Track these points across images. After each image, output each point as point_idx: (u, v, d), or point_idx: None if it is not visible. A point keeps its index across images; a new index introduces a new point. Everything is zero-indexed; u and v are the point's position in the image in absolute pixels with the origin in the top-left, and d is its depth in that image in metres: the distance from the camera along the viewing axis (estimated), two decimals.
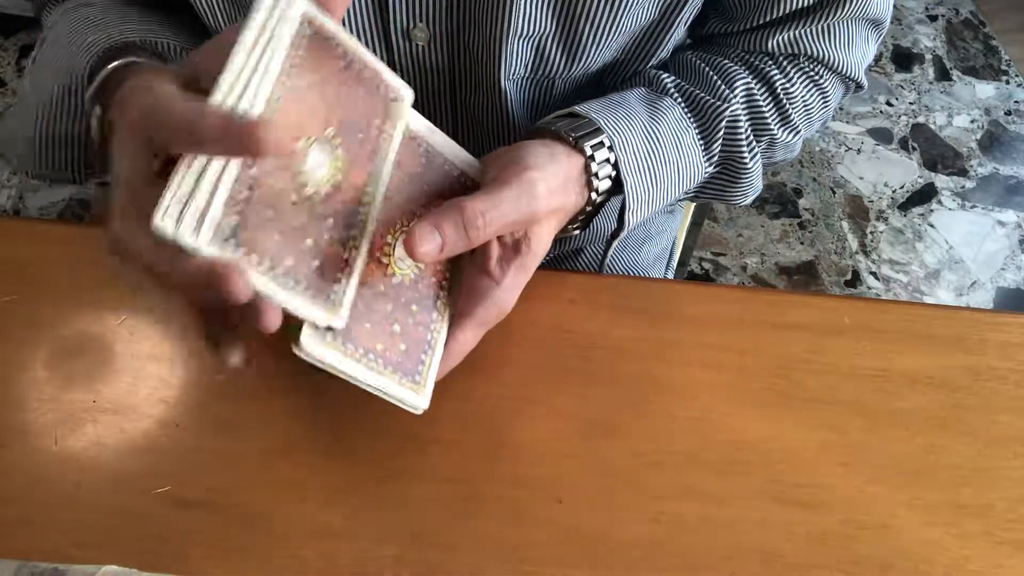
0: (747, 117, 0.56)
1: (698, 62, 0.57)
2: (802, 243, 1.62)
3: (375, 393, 0.41)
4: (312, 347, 0.37)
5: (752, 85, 0.57)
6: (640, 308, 0.53)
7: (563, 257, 0.75)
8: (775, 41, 0.57)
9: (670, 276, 0.92)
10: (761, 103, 0.57)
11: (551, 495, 0.46)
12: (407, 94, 0.43)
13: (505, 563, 0.44)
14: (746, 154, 0.56)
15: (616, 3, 0.50)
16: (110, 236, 0.36)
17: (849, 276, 1.59)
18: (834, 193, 1.69)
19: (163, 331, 0.51)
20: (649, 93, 0.54)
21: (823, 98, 0.61)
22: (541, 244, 0.46)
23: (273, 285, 0.35)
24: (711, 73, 0.56)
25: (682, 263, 1.03)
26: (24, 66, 1.75)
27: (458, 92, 0.57)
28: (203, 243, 0.33)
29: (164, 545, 0.44)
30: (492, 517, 0.45)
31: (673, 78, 0.56)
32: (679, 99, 0.55)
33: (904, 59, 1.92)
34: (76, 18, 0.54)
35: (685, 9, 0.53)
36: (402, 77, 0.55)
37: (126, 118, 0.37)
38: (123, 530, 0.44)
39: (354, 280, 0.39)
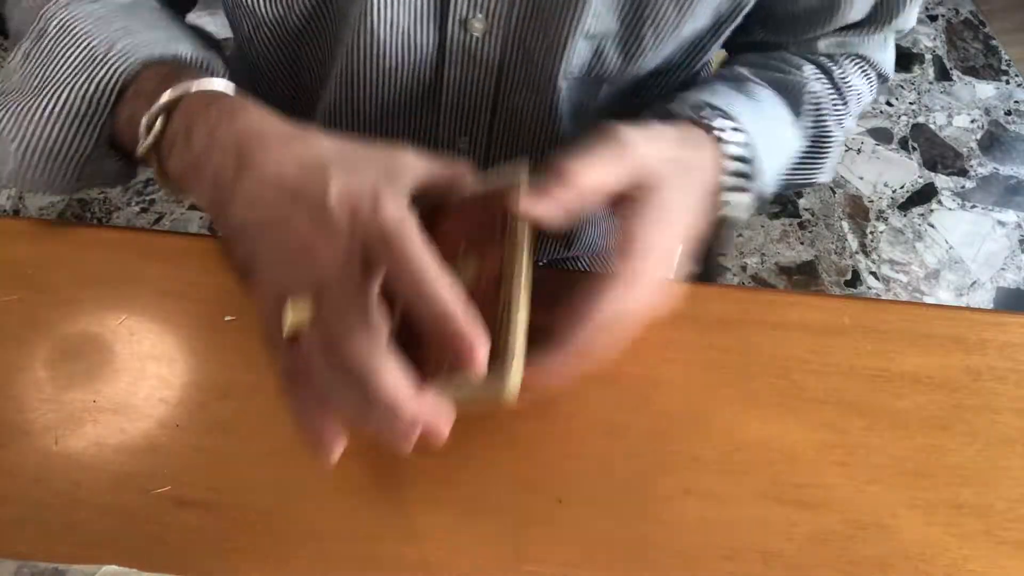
0: (822, 92, 0.59)
1: (759, 57, 0.60)
2: (802, 243, 1.62)
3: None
4: None
5: (816, 70, 0.59)
6: None
7: (562, 260, 0.75)
8: (823, 43, 0.60)
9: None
10: (828, 84, 0.59)
11: (551, 495, 0.46)
12: (520, 173, 0.43)
13: (505, 563, 0.44)
14: (831, 123, 0.58)
15: (683, 7, 0.50)
16: (307, 348, 0.36)
17: (849, 276, 1.59)
18: (834, 193, 1.69)
19: (163, 331, 0.51)
20: (731, 81, 0.55)
21: (869, 88, 0.63)
22: (673, 197, 0.45)
23: (451, 391, 0.37)
24: (777, 62, 0.59)
25: None
26: None
27: (502, 88, 0.56)
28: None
29: (164, 545, 0.44)
30: (492, 517, 0.45)
31: (745, 69, 0.57)
32: (762, 81, 0.56)
33: (904, 59, 1.92)
34: (87, 15, 0.47)
35: (737, 18, 0.54)
36: (449, 67, 0.54)
37: (337, 197, 0.36)
38: (123, 530, 0.44)
39: (518, 355, 0.39)
